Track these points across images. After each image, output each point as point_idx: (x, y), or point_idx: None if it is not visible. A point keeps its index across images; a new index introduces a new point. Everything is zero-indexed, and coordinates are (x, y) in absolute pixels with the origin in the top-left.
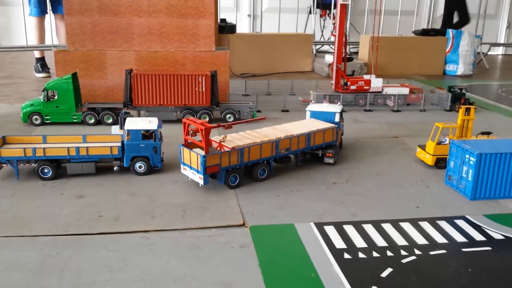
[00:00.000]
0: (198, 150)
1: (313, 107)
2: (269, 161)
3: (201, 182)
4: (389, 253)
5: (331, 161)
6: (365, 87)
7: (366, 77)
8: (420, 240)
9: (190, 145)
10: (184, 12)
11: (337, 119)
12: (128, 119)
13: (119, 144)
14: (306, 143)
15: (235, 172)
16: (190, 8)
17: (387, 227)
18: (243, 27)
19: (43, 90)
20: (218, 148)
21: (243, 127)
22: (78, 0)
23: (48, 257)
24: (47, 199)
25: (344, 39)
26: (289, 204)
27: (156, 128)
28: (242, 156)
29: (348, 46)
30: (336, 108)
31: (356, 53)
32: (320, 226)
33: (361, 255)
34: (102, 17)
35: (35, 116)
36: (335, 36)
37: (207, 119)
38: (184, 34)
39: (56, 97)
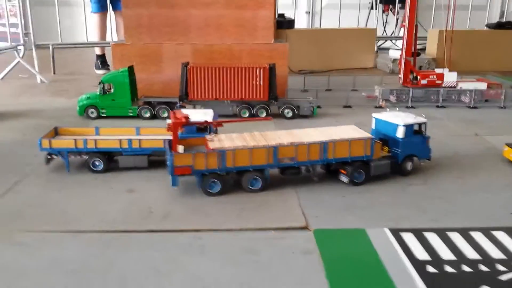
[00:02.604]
0: (179, 147)
1: (382, 114)
2: (263, 170)
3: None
4: (483, 268)
5: (344, 179)
6: (437, 82)
7: (438, 70)
8: None
9: (182, 141)
10: (243, 3)
11: (400, 134)
12: (182, 111)
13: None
14: (321, 154)
15: (215, 178)
16: None
17: (478, 237)
18: (301, 24)
19: (99, 83)
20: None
21: (252, 128)
22: None
23: (91, 257)
24: (96, 193)
25: (415, 30)
26: (358, 207)
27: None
28: (224, 160)
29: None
30: (406, 119)
31: (423, 49)
32: (396, 233)
33: (448, 269)
34: (159, 9)
35: (91, 110)
36: (404, 26)
37: (264, 114)
38: (242, 26)
39: (112, 91)
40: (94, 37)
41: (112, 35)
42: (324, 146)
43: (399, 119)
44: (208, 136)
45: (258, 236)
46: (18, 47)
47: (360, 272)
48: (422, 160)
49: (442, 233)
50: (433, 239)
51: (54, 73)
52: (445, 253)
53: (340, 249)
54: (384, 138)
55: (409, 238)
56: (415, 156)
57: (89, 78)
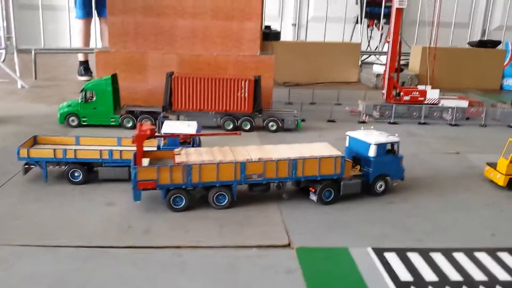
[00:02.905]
0: (143, 160)
1: (356, 132)
2: (230, 186)
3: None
4: None
5: (313, 198)
6: (419, 98)
7: (421, 87)
8: (502, 275)
9: (150, 154)
10: (230, 14)
11: (371, 153)
12: (166, 122)
13: (155, 148)
14: (289, 171)
15: (180, 193)
16: (236, 10)
17: (460, 257)
18: (287, 37)
19: (81, 91)
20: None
21: (226, 142)
22: None
23: (67, 272)
24: (74, 205)
25: (399, 46)
26: (341, 224)
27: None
28: (190, 175)
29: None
30: (378, 138)
31: (406, 65)
32: (379, 252)
33: None
34: (146, 18)
35: (72, 118)
36: (388, 42)
37: (248, 126)
38: (228, 37)
39: (94, 99)
40: (77, 43)
41: (96, 42)
42: (293, 163)
43: (371, 138)
44: (175, 150)
45: (240, 253)
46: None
47: None
48: (395, 181)
49: (425, 254)
50: (416, 259)
51: (35, 78)
52: (428, 274)
53: (323, 269)
54: (357, 157)
55: (392, 258)
56: (387, 175)
57: (71, 84)
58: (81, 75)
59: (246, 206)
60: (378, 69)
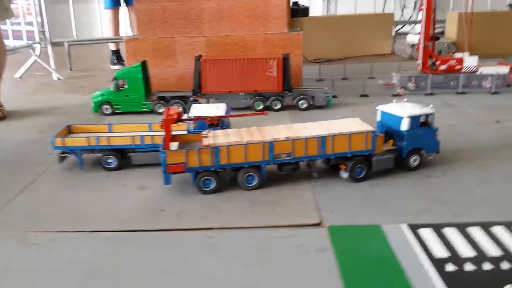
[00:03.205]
0: (172, 144)
1: (387, 106)
2: (259, 166)
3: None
4: (505, 266)
5: (344, 175)
6: (457, 67)
7: (458, 55)
8: None
9: (178, 138)
10: None
11: (404, 126)
12: (194, 105)
13: (185, 132)
14: (318, 149)
15: (209, 175)
16: None
17: (500, 232)
18: (316, 12)
19: (113, 79)
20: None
21: (256, 123)
22: None
23: (104, 257)
24: (108, 191)
25: (433, 13)
26: (375, 201)
27: None
28: (217, 157)
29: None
30: (411, 110)
31: (442, 32)
32: (414, 229)
33: (468, 267)
34: (171, 2)
35: (106, 106)
36: (422, 10)
37: (279, 106)
38: (254, 16)
39: (126, 86)
40: (108, 32)
41: (127, 30)
42: (322, 140)
43: (403, 111)
44: (203, 132)
45: (271, 234)
46: (34, 45)
47: (376, 272)
48: (430, 154)
49: (462, 228)
50: (453, 234)
51: (71, 69)
52: (465, 250)
53: (355, 247)
54: (389, 131)
55: (428, 234)
56: (422, 149)
57: (105, 74)
58: (114, 64)
59: (278, 185)
60: (413, 38)
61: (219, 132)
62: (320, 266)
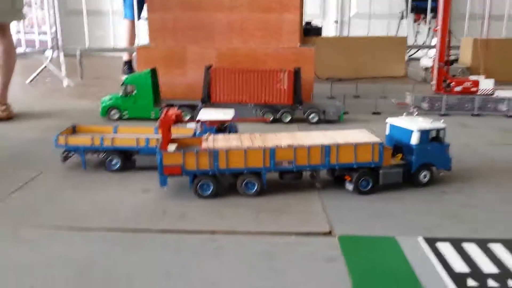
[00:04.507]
0: (170, 145)
1: (397, 119)
2: (259, 173)
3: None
4: None
5: (349, 187)
6: (472, 89)
7: (474, 77)
8: None
9: (178, 140)
10: (268, 6)
11: (414, 140)
12: (202, 110)
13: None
14: (322, 158)
15: (206, 179)
16: (274, 2)
17: None
18: (329, 33)
19: (121, 85)
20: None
21: (258, 131)
22: None
23: (97, 255)
24: (110, 192)
25: (448, 34)
26: (387, 213)
27: None
28: (216, 161)
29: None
30: (422, 124)
31: (456, 60)
32: (431, 242)
33: (491, 283)
34: (184, 12)
35: (113, 111)
36: (437, 31)
37: (289, 118)
38: (266, 30)
39: (134, 92)
40: (123, 42)
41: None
42: (326, 149)
43: (413, 124)
44: (204, 136)
45: (278, 240)
46: (46, 52)
47: (391, 285)
48: (441, 170)
49: (483, 244)
50: (473, 250)
51: (81, 78)
52: (487, 266)
53: (368, 258)
54: (398, 145)
55: (446, 248)
56: (432, 165)
57: (115, 83)
58: (125, 74)
59: (284, 194)
60: (426, 62)
61: (220, 136)
62: (330, 276)
